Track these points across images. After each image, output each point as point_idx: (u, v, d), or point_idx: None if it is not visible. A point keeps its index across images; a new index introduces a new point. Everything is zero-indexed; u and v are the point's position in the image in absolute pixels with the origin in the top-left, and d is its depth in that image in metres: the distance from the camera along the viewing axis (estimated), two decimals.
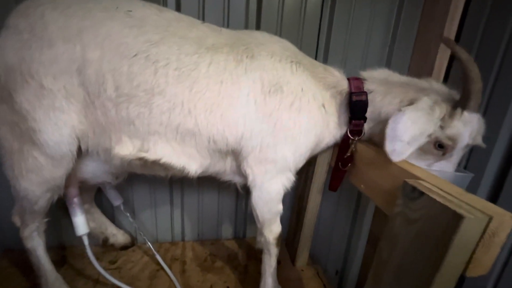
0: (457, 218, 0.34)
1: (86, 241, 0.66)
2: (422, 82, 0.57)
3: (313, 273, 0.83)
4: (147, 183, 0.87)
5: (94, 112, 0.51)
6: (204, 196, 0.92)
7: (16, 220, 0.62)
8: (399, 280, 0.43)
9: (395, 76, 0.59)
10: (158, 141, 0.54)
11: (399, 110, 0.51)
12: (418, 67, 0.82)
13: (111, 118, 0.51)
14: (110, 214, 0.87)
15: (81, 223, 0.64)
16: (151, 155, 0.54)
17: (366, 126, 0.60)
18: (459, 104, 0.50)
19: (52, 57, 0.47)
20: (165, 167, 0.56)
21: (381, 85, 0.58)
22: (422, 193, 0.40)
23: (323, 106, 0.58)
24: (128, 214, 0.81)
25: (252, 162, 0.56)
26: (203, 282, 0.77)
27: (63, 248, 0.85)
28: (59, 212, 0.80)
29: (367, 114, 0.58)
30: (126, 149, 0.53)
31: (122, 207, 0.79)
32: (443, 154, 0.53)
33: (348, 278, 1.04)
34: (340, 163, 0.63)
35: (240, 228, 0.97)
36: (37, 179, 0.54)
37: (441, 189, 0.41)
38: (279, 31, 0.78)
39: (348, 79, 0.60)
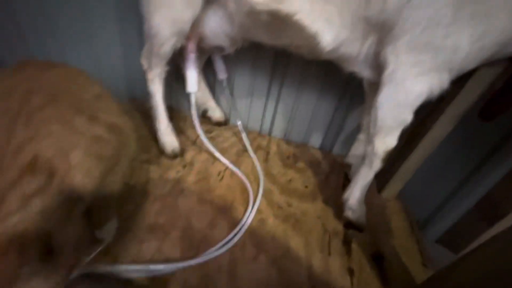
0: None
1: (193, 99, 0.69)
2: None
3: (400, 208, 0.75)
4: (249, 69, 0.84)
5: None
6: (302, 97, 0.86)
7: (144, 62, 0.68)
8: None
9: None
10: None
11: None
12: None
13: None
14: (211, 90, 0.91)
15: (193, 80, 0.67)
16: (286, 7, 0.46)
17: None
18: None
19: None
20: (296, 28, 0.48)
21: None
22: None
23: None
24: (228, 91, 0.82)
25: (402, 47, 0.43)
26: (283, 174, 0.78)
27: (171, 109, 0.96)
28: (171, 76, 0.86)
29: None
30: None
31: (225, 83, 0.81)
32: None
33: (429, 232, 0.92)
34: None
35: (328, 140, 0.91)
36: (168, 15, 0.54)
37: None
38: None
39: None
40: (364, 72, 0.53)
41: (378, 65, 0.49)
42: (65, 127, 0.35)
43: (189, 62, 0.65)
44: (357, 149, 0.75)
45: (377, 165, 0.57)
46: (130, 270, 0.48)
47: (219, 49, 0.66)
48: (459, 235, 0.82)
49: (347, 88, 0.81)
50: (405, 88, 0.46)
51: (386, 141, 0.53)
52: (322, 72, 0.80)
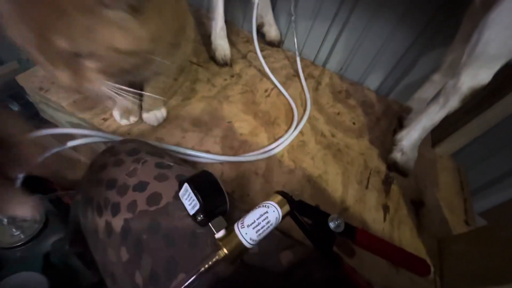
0: None
1: (256, 1, 0.63)
2: None
3: (452, 166, 0.68)
4: None
5: None
6: (371, 29, 0.75)
7: None
8: None
9: None
10: None
11: None
12: None
13: None
14: (272, 4, 0.82)
15: None
16: None
17: None
18: None
19: None
20: None
21: None
22: None
23: None
24: (293, 4, 0.74)
25: None
26: (332, 106, 0.73)
27: (226, 21, 0.89)
28: None
29: None
30: None
31: None
32: None
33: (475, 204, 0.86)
34: None
35: (387, 85, 0.82)
36: None
37: None
38: None
39: None
40: None
41: None
42: None
43: None
44: (425, 91, 0.67)
45: (453, 103, 0.49)
46: (173, 150, 0.49)
47: None
48: (506, 214, 0.75)
49: (430, 24, 0.69)
50: None
51: (479, 74, 0.44)
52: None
